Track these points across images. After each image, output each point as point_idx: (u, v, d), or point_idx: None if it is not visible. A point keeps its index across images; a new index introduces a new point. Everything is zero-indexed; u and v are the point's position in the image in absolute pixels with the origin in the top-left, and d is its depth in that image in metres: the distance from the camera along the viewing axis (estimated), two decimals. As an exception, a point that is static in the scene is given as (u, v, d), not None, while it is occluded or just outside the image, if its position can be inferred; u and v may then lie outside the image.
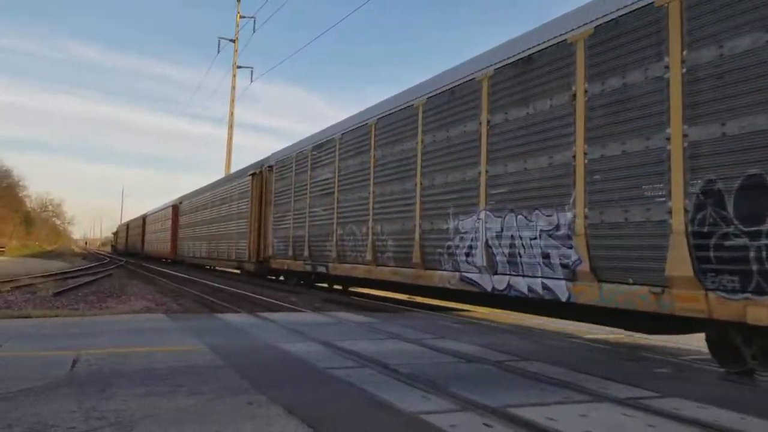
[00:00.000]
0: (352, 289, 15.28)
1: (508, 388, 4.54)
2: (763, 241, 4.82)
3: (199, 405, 3.84)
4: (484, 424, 3.56)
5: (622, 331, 7.76)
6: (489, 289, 8.16)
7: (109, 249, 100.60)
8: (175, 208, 34.10)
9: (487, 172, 8.27)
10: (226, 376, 4.71)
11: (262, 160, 19.23)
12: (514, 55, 7.94)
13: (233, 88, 35.55)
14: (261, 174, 19.02)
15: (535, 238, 7.34)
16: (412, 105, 10.31)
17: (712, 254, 5.24)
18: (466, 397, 4.19)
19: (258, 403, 3.92)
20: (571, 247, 6.76)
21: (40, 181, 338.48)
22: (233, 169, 31.54)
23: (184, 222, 31.71)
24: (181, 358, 5.40)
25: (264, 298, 12.65)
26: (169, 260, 36.00)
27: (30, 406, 3.74)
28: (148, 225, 45.66)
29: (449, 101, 9.30)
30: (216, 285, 17.08)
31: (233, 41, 36.42)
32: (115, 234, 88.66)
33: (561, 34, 7.12)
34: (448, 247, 9.07)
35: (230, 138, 34.96)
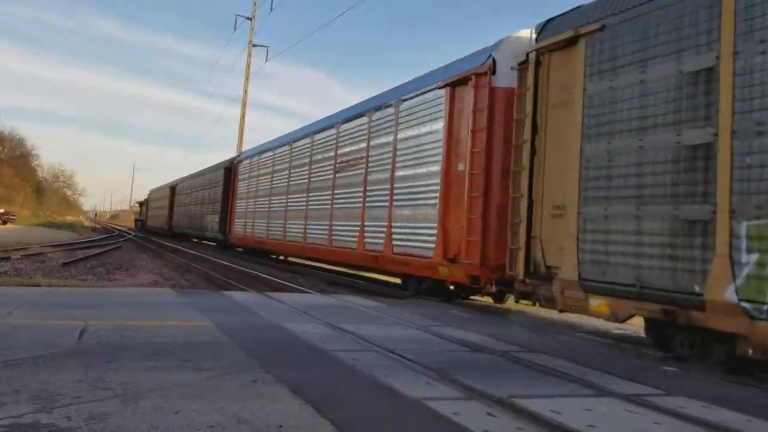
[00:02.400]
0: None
1: (513, 379, 4.53)
2: None
3: (205, 381, 3.85)
4: (487, 413, 3.55)
5: (630, 326, 7.72)
6: None
7: (119, 223, 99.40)
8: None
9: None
10: (232, 354, 4.72)
11: None
12: None
13: (248, 66, 35.46)
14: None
15: None
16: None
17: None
18: (471, 385, 4.18)
19: (263, 381, 3.92)
20: None
21: (53, 152, 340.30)
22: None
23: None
24: (188, 334, 5.42)
25: (272, 278, 12.69)
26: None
27: (37, 373, 3.76)
28: (240, 179, 23.22)
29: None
30: (224, 263, 17.17)
31: (250, 19, 36.26)
32: (144, 204, 58.71)
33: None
34: None
35: (243, 116, 34.91)
